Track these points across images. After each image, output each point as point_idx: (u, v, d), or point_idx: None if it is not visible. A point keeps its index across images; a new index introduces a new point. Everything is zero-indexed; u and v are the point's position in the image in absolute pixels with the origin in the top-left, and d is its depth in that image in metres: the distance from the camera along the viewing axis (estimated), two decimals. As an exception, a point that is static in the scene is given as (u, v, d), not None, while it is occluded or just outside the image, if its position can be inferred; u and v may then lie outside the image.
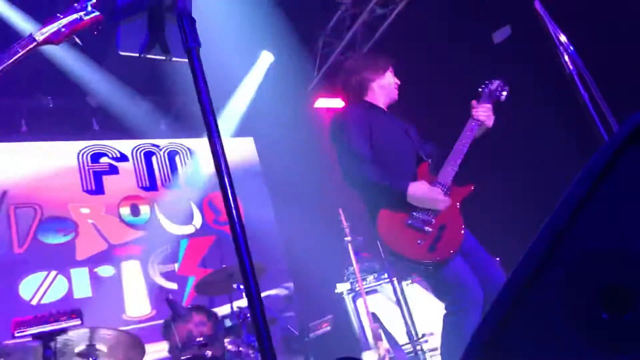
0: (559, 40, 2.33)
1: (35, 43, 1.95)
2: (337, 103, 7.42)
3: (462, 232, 2.75)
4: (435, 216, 2.72)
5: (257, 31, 5.92)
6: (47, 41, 1.97)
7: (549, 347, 0.90)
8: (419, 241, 2.67)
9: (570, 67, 2.26)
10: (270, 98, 7.08)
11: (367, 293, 5.04)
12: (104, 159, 6.53)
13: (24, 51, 1.90)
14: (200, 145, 7.13)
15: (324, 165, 6.87)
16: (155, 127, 6.87)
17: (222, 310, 5.22)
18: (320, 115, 7.31)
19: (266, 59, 6.89)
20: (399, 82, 3.29)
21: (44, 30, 1.97)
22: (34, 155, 6.01)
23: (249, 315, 4.32)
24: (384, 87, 3.22)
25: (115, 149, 6.64)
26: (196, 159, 7.09)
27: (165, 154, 6.92)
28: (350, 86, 3.27)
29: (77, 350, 3.59)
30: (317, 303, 5.89)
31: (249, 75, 6.98)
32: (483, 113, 2.97)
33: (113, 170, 6.54)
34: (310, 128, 7.08)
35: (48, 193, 5.94)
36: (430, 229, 2.69)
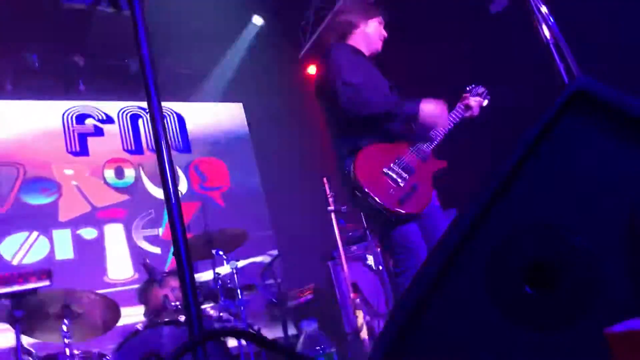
0: (539, 11, 2.26)
1: None
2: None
3: (430, 196, 2.83)
4: (410, 174, 2.78)
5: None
6: None
7: (470, 327, 0.86)
8: (391, 190, 2.73)
9: (548, 37, 2.18)
10: (260, 63, 6.97)
11: (349, 262, 5.03)
12: (89, 120, 6.45)
13: None
14: (188, 110, 7.03)
15: (312, 133, 6.82)
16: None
17: (204, 276, 5.23)
18: (311, 82, 7.20)
19: (256, 23, 6.75)
20: (386, 35, 3.28)
21: None
22: (18, 115, 5.92)
23: (228, 281, 4.33)
24: (368, 35, 3.21)
25: (101, 110, 6.55)
26: (183, 123, 7.00)
27: (152, 117, 6.81)
28: (336, 25, 3.30)
29: (51, 311, 3.56)
30: (300, 271, 5.90)
31: (239, 40, 6.85)
32: (474, 101, 3.08)
33: (98, 132, 6.46)
34: (300, 95, 6.98)
35: (32, 153, 5.86)
36: (403, 183, 2.75)
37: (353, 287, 4.86)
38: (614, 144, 0.79)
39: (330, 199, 4.96)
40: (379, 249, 5.23)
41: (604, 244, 0.78)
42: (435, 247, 0.87)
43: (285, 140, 6.78)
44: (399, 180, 2.75)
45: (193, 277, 1.19)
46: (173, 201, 1.20)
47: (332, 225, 4.96)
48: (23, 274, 3.54)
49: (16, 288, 3.20)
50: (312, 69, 7.19)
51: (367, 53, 3.20)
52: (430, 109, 2.85)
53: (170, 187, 1.19)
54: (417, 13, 5.45)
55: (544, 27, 2.20)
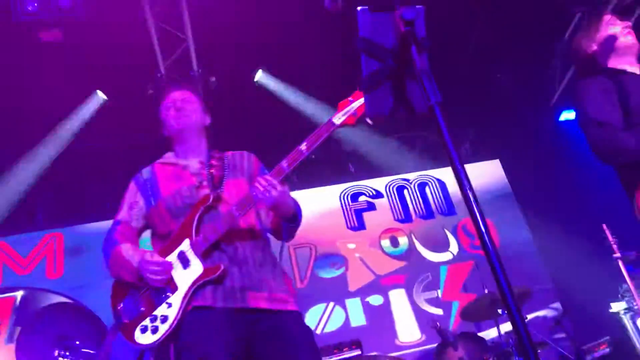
0: None
1: (335, 127, 2.22)
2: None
3: None
4: None
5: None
6: (344, 124, 2.22)
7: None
8: None
9: None
10: (511, 117, 7.05)
11: (649, 312, 4.66)
12: (362, 198, 7.19)
13: (327, 134, 2.19)
14: (447, 174, 7.36)
15: (578, 180, 6.57)
16: (404, 163, 7.35)
17: (489, 334, 5.32)
18: (565, 129, 7.01)
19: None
20: (629, 23, 2.72)
21: (340, 114, 2.20)
22: (303, 202, 6.87)
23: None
24: (607, 42, 2.66)
25: (370, 187, 7.27)
26: (445, 187, 7.34)
27: (416, 186, 7.32)
28: (579, 64, 2.86)
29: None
30: (589, 324, 5.61)
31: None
32: None
33: (371, 206, 7.15)
34: (555, 143, 6.85)
35: (319, 233, 6.73)
36: None
37: (658, 338, 4.48)
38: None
39: (614, 246, 4.72)
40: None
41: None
42: None
43: (550, 190, 6.65)
44: None
45: (530, 337, 1.30)
46: (495, 261, 1.32)
47: (620, 274, 4.68)
48: (337, 344, 4.11)
49: (334, 359, 3.72)
50: (565, 115, 7.01)
51: (627, 62, 2.67)
52: None
53: (489, 247, 1.32)
54: None
55: None
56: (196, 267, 2.14)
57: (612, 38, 2.66)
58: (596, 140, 2.40)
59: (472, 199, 1.40)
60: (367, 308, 6.43)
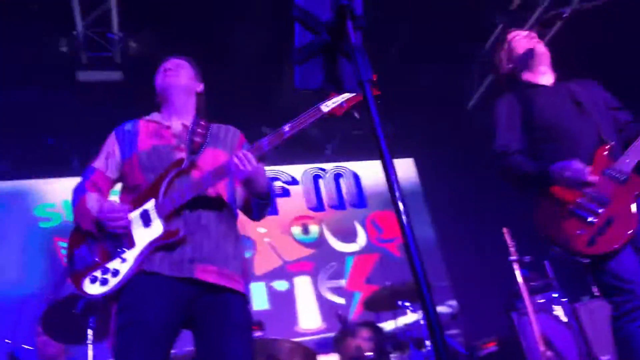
0: None
1: (320, 114, 2.20)
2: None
3: (635, 226, 2.35)
4: (603, 205, 2.38)
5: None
6: (331, 113, 2.20)
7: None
8: (578, 231, 2.37)
9: None
10: (428, 118, 7.22)
11: (536, 313, 4.94)
12: (277, 183, 7.16)
13: (312, 120, 2.17)
14: (362, 168, 7.49)
15: (486, 184, 6.86)
16: (322, 152, 7.39)
17: (387, 326, 5.45)
18: (480, 134, 7.29)
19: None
20: (534, 34, 2.97)
21: (329, 103, 2.19)
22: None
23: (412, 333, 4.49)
24: (518, 57, 2.89)
25: (287, 173, 7.25)
26: (359, 180, 7.45)
27: (331, 177, 7.38)
28: (497, 80, 3.09)
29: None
30: (482, 322, 5.88)
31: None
32: None
33: (285, 192, 7.13)
34: (469, 147, 7.10)
35: (230, 215, 6.63)
36: (594, 220, 2.37)
37: (543, 339, 4.76)
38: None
39: (512, 249, 4.97)
40: (566, 300, 5.10)
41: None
42: None
43: (459, 192, 6.89)
44: (588, 217, 2.38)
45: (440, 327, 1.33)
46: (416, 262, 1.34)
47: (514, 276, 4.94)
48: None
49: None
50: (480, 120, 7.30)
51: (539, 74, 2.85)
52: (558, 170, 2.46)
53: (411, 244, 1.35)
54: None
55: None
56: (157, 228, 2.13)
57: (523, 51, 2.87)
58: (497, 171, 2.68)
59: (394, 180, 1.43)
60: (271, 293, 6.42)
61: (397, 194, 1.46)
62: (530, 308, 4.84)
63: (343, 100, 2.17)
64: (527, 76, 2.86)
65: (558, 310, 5.16)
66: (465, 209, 6.85)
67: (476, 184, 6.65)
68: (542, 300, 5.26)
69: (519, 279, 4.87)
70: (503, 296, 5.44)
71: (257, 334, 4.17)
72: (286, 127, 2.16)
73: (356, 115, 1.91)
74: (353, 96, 2.11)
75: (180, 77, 2.47)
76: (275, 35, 5.42)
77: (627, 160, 2.48)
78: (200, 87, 2.57)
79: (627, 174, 2.44)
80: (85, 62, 5.59)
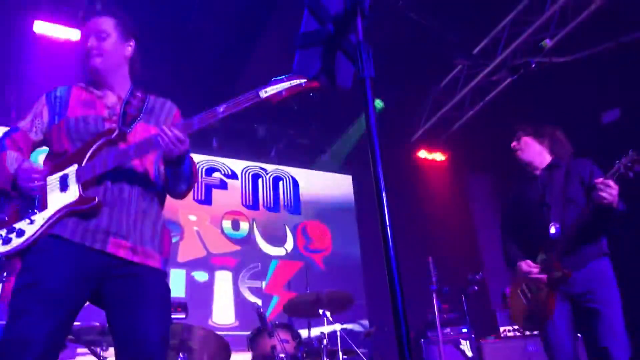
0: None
1: (258, 100, 2.07)
2: (438, 156, 7.64)
3: (549, 314, 2.97)
4: (532, 292, 3.07)
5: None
6: (267, 100, 2.08)
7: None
8: (520, 308, 3.14)
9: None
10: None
11: (444, 344, 5.12)
12: (216, 174, 7.09)
13: (247, 104, 2.05)
14: (302, 175, 7.55)
15: (418, 212, 7.08)
16: (266, 153, 7.40)
17: (303, 333, 5.47)
18: (420, 166, 7.55)
19: (377, 105, 7.23)
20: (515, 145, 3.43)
21: (268, 89, 2.06)
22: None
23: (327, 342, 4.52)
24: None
25: (228, 166, 7.19)
26: (297, 187, 7.50)
27: (271, 178, 7.39)
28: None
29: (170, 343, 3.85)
30: (390, 344, 6.00)
31: (362, 118, 7.32)
32: (608, 195, 2.69)
33: (223, 185, 7.07)
34: (408, 175, 7.33)
35: (164, 197, 6.50)
36: (525, 302, 3.11)
37: (446, 368, 4.94)
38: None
39: (434, 278, 5.14)
40: (473, 335, 5.31)
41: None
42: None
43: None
44: (523, 299, 3.13)
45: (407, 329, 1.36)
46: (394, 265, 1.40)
47: (432, 305, 5.10)
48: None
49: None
50: (422, 153, 7.56)
51: (531, 165, 3.44)
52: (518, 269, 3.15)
53: (392, 253, 1.40)
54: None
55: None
56: (72, 193, 2.05)
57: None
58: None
59: (381, 181, 1.47)
60: (191, 282, 6.32)
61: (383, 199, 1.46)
62: (441, 338, 5.02)
63: (283, 88, 2.07)
64: (531, 168, 3.41)
65: (464, 345, 5.37)
66: (393, 231, 7.00)
67: (409, 211, 6.83)
68: (451, 333, 5.47)
69: (435, 308, 5.05)
70: (416, 323, 5.59)
71: (180, 315, 4.09)
72: (220, 108, 2.07)
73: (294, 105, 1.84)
74: (295, 85, 2.02)
75: (105, 57, 2.29)
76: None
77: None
78: (129, 51, 2.38)
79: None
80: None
